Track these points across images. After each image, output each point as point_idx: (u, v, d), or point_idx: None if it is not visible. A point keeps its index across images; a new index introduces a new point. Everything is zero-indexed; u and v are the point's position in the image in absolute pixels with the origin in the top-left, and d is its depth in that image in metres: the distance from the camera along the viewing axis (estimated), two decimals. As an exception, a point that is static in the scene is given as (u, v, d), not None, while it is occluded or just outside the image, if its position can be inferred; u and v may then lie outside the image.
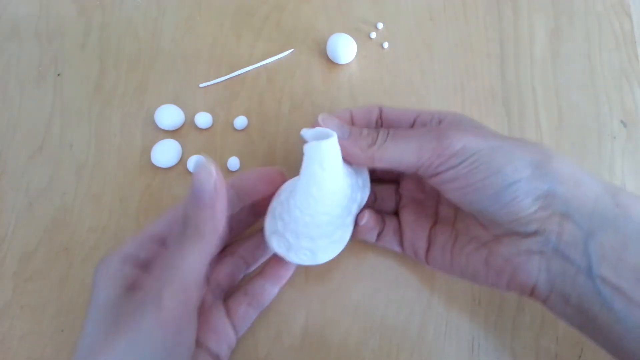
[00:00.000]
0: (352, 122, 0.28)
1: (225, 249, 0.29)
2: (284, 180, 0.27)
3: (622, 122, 0.35)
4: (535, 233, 0.23)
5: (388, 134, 0.24)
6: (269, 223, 0.26)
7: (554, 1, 0.39)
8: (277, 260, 0.28)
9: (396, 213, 0.30)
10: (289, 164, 0.34)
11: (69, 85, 0.36)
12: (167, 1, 0.39)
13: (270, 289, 0.28)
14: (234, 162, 0.33)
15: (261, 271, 0.29)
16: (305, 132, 0.26)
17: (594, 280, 0.22)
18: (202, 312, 0.27)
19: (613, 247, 0.21)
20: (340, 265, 0.31)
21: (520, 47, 0.37)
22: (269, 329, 0.29)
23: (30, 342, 0.29)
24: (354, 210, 0.26)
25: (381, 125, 0.28)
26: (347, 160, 0.25)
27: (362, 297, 0.30)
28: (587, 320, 0.23)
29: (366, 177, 0.28)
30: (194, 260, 0.22)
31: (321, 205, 0.24)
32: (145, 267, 0.23)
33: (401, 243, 0.29)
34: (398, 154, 0.24)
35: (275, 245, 0.26)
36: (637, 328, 0.21)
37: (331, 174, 0.24)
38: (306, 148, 0.24)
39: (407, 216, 0.29)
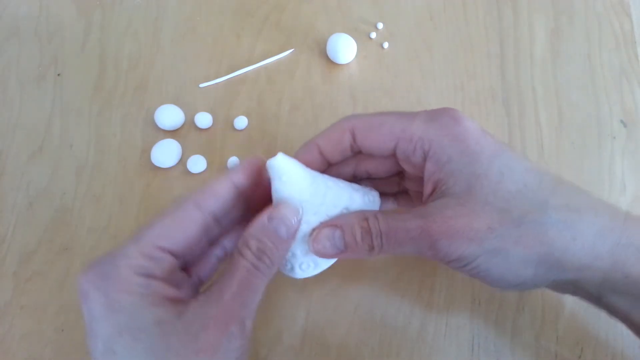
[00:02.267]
0: (322, 156, 0.25)
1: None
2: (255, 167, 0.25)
3: (622, 122, 0.35)
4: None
5: (381, 236, 0.23)
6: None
7: (554, 1, 0.39)
8: None
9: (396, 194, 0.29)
10: (289, 164, 0.34)
11: (68, 85, 0.36)
12: (167, 1, 0.39)
13: None
14: (234, 162, 0.33)
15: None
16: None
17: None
18: None
19: (623, 306, 0.22)
20: (340, 266, 0.30)
21: (520, 47, 0.37)
22: (269, 329, 0.29)
23: (30, 342, 0.29)
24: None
25: (359, 152, 0.25)
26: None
27: (362, 297, 0.30)
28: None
29: (373, 194, 0.27)
30: (262, 293, 0.23)
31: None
32: (165, 282, 0.22)
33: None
34: (400, 253, 0.23)
35: (281, 268, 0.25)
36: None
37: (293, 185, 0.23)
38: (268, 168, 0.23)
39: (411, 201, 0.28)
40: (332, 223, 0.24)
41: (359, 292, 0.30)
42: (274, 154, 0.23)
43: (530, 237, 0.21)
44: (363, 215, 0.24)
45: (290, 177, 0.23)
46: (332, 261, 0.26)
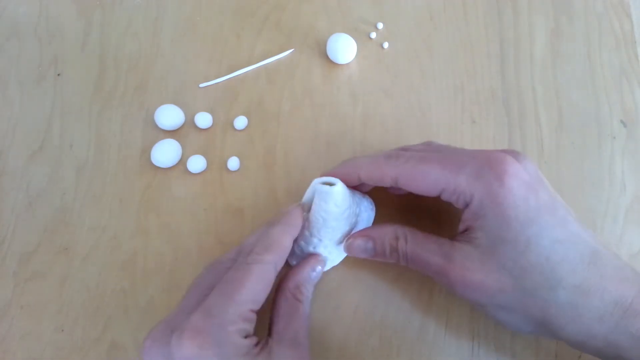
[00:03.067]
0: (360, 178, 0.28)
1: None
2: (302, 215, 0.28)
3: (622, 122, 0.35)
4: None
5: (406, 257, 0.27)
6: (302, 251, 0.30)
7: (554, 1, 0.39)
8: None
9: None
10: (289, 163, 0.34)
11: (68, 85, 0.36)
12: (167, 1, 0.39)
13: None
14: (234, 162, 0.33)
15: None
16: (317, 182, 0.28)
17: None
18: None
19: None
20: (340, 265, 0.30)
21: (520, 47, 0.37)
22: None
23: (30, 342, 0.29)
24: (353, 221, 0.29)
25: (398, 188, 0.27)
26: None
27: (362, 297, 0.30)
28: None
29: (369, 201, 0.31)
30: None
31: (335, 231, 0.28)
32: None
33: None
34: (422, 272, 0.27)
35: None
36: None
37: (340, 208, 0.27)
38: (319, 191, 0.27)
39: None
40: (365, 234, 0.28)
41: (358, 292, 0.30)
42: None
43: (534, 308, 0.23)
44: (394, 233, 0.27)
45: (342, 204, 0.27)
46: (342, 256, 0.30)
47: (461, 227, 0.25)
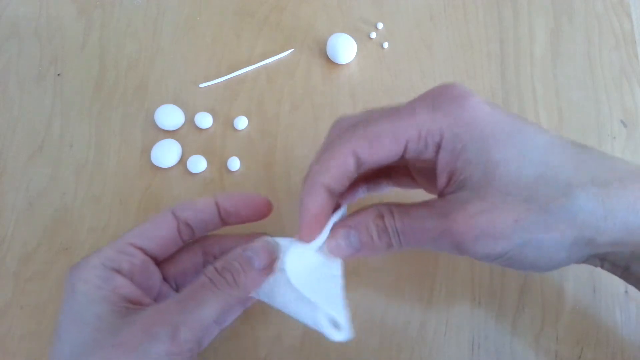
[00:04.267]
0: (330, 194, 0.23)
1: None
2: (269, 210, 0.26)
3: (622, 122, 0.35)
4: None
5: (398, 234, 0.22)
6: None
7: (554, 1, 0.39)
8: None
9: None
10: (289, 163, 0.34)
11: (68, 85, 0.36)
12: (167, 1, 0.39)
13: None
14: (234, 162, 0.33)
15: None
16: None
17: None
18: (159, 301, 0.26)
19: None
20: (341, 265, 0.30)
21: (520, 47, 0.37)
22: (268, 329, 0.29)
23: (30, 342, 0.29)
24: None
25: (364, 166, 0.23)
26: None
27: (362, 297, 0.30)
28: None
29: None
30: (215, 311, 0.22)
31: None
32: (133, 280, 0.24)
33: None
34: (421, 248, 0.22)
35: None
36: None
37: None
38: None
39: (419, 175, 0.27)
40: (345, 224, 0.23)
41: (358, 292, 0.30)
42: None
43: (560, 223, 0.20)
44: (377, 212, 0.22)
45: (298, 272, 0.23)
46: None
47: (441, 180, 0.22)
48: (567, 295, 0.30)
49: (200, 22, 0.38)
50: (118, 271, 0.23)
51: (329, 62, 0.36)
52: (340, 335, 0.22)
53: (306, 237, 0.23)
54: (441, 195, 0.22)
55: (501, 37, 0.37)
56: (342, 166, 0.22)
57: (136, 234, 0.25)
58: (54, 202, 0.33)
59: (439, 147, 0.21)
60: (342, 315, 0.23)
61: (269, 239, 0.24)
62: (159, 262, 0.26)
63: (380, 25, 0.38)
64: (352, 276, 0.30)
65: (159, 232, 0.25)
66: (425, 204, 0.22)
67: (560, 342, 0.29)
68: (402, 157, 0.22)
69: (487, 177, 0.20)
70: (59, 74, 0.37)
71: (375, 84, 0.36)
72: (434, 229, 0.21)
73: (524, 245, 0.20)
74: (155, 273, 0.25)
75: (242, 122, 0.34)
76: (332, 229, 0.23)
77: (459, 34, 0.37)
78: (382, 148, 0.22)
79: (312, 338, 0.29)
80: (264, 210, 0.27)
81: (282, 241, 0.24)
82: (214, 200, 0.26)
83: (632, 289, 0.29)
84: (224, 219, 0.26)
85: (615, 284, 0.29)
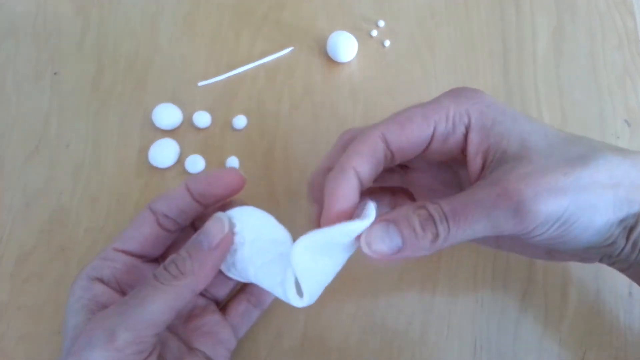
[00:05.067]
0: (360, 182, 0.22)
1: None
2: (242, 182, 0.26)
3: (625, 121, 0.34)
4: (602, 251, 0.22)
5: (446, 217, 0.20)
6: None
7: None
8: None
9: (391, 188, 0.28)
10: (289, 163, 0.33)
11: (66, 84, 0.36)
12: (166, -1, 0.38)
13: None
14: (233, 162, 0.33)
15: None
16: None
17: None
18: (195, 315, 0.26)
19: None
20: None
21: (523, 45, 0.37)
22: (268, 330, 0.29)
23: (27, 344, 0.29)
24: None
25: (392, 156, 0.22)
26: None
27: (363, 299, 0.30)
28: None
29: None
30: (160, 306, 0.21)
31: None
32: (119, 283, 0.24)
33: None
34: (470, 236, 0.20)
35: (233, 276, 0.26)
36: None
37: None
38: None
39: (423, 195, 0.26)
40: (383, 219, 0.21)
41: (359, 294, 0.30)
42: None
43: (600, 172, 0.20)
44: (418, 204, 0.21)
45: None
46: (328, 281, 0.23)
47: (476, 164, 0.21)
48: (570, 297, 0.29)
49: (199, 20, 0.38)
50: (100, 279, 0.24)
51: (329, 61, 0.36)
52: (301, 302, 0.22)
53: (329, 221, 0.21)
54: (479, 179, 0.22)
55: (503, 36, 0.37)
56: (371, 149, 0.22)
57: (119, 237, 0.25)
58: (51, 203, 0.32)
59: (467, 129, 0.21)
60: (306, 283, 0.22)
61: (219, 214, 0.23)
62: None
63: (381, 23, 0.37)
64: (353, 277, 0.30)
65: (140, 231, 0.25)
66: (469, 188, 0.21)
67: (563, 345, 0.28)
68: (429, 147, 0.22)
69: (524, 145, 0.20)
70: (56, 73, 0.36)
71: (376, 83, 0.36)
72: (487, 198, 0.20)
73: (579, 196, 0.19)
74: (145, 271, 0.25)
75: (241, 122, 0.34)
76: (368, 229, 0.21)
77: (461, 32, 0.37)
78: (412, 130, 0.21)
79: (312, 340, 0.29)
80: (235, 183, 0.25)
81: (237, 211, 0.24)
82: (184, 186, 0.25)
83: (636, 290, 0.29)
84: (199, 201, 0.25)
85: (619, 286, 0.29)
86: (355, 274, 0.30)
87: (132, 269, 0.25)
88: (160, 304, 0.21)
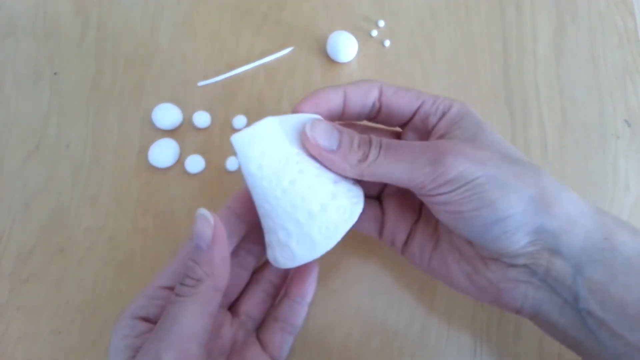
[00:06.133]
0: (345, 104, 0.25)
1: (252, 277, 0.28)
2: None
3: (626, 121, 0.34)
4: (523, 266, 0.23)
5: (380, 147, 0.23)
6: (265, 242, 0.25)
7: (557, -1, 0.38)
8: (298, 276, 0.27)
9: (379, 198, 0.29)
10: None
11: (65, 84, 0.36)
12: (165, -1, 0.38)
13: (299, 308, 0.27)
14: (233, 162, 0.33)
15: (285, 292, 0.28)
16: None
17: (580, 312, 0.22)
18: (236, 350, 0.26)
19: (600, 281, 0.21)
20: (341, 267, 0.30)
21: (523, 45, 0.37)
22: (268, 331, 0.29)
23: (26, 344, 0.29)
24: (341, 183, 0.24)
25: (379, 109, 0.26)
26: (333, 170, 0.24)
27: (363, 300, 0.30)
28: (573, 343, 0.23)
29: (356, 187, 0.25)
30: (192, 316, 0.21)
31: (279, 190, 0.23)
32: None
33: (380, 231, 0.28)
34: (389, 172, 0.22)
35: (272, 258, 0.25)
36: (622, 356, 0.22)
37: (265, 159, 0.23)
38: (235, 141, 0.23)
39: (391, 205, 0.27)
40: (334, 125, 0.24)
41: (359, 295, 0.30)
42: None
43: (526, 175, 0.22)
44: (366, 134, 0.24)
45: (265, 150, 0.23)
46: (327, 249, 0.24)
47: (432, 138, 0.25)
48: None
49: (199, 20, 0.38)
50: (146, 318, 0.23)
51: (329, 61, 0.36)
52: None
53: (303, 104, 0.25)
54: None
55: (504, 36, 0.37)
56: (367, 90, 0.25)
57: (163, 274, 0.24)
58: (51, 203, 0.32)
59: (443, 114, 0.25)
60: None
61: (199, 211, 0.23)
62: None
63: (381, 23, 0.37)
64: (354, 278, 0.30)
65: (183, 265, 0.24)
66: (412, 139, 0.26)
67: (563, 346, 0.28)
68: (411, 119, 0.26)
69: (474, 136, 0.24)
70: (55, 73, 0.36)
71: None
72: (418, 146, 0.23)
73: (491, 178, 0.21)
74: None
75: (241, 122, 0.34)
76: (317, 122, 0.23)
77: (461, 32, 0.37)
78: (404, 96, 0.25)
79: (312, 340, 0.29)
80: None
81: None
82: (226, 208, 0.25)
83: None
84: (242, 219, 0.25)
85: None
86: (355, 275, 0.30)
87: None
88: (192, 314, 0.21)
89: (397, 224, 0.27)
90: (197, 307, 0.22)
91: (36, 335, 0.29)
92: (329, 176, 0.24)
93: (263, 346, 0.27)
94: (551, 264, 0.22)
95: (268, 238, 0.24)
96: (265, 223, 0.24)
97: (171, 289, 0.24)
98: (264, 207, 0.24)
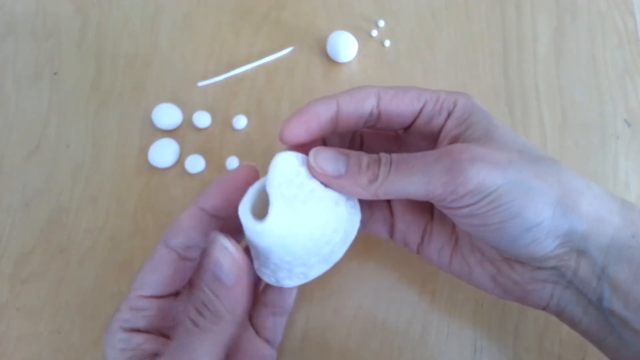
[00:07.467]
0: (338, 115, 0.23)
1: None
2: (257, 175, 0.24)
3: (626, 121, 0.34)
4: (551, 268, 0.22)
5: (391, 163, 0.21)
6: (261, 270, 0.24)
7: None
8: None
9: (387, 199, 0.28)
10: (289, 163, 0.33)
11: (65, 84, 0.36)
12: (165, -1, 0.38)
13: (286, 291, 0.27)
14: (232, 162, 0.33)
15: None
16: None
17: (603, 312, 0.22)
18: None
19: (625, 281, 0.21)
20: (342, 267, 0.30)
21: (523, 45, 0.37)
22: (268, 331, 0.29)
23: (26, 344, 0.29)
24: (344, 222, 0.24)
25: (378, 116, 0.24)
26: (344, 194, 0.23)
27: (363, 299, 0.30)
28: (596, 340, 0.23)
29: (353, 202, 0.24)
30: (209, 351, 0.20)
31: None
32: (158, 328, 0.23)
33: (391, 232, 0.27)
34: (403, 187, 0.21)
35: (267, 279, 0.24)
36: None
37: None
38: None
39: (399, 206, 0.27)
40: (339, 150, 0.22)
41: (360, 294, 0.30)
42: (272, 155, 0.22)
43: (548, 174, 0.21)
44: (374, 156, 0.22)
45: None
46: (321, 272, 0.24)
47: (444, 142, 0.23)
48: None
49: (199, 19, 0.38)
50: (136, 330, 0.22)
51: (329, 61, 0.36)
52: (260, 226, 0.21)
53: (288, 132, 0.22)
54: None
55: (504, 36, 0.37)
56: (362, 98, 0.23)
57: (141, 283, 0.23)
58: (51, 203, 0.32)
59: (450, 114, 0.23)
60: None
61: (221, 240, 0.20)
62: None
63: (381, 23, 0.37)
64: (354, 278, 0.30)
65: (163, 273, 0.23)
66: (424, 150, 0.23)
67: (564, 346, 0.28)
68: (414, 123, 0.24)
69: (488, 134, 0.22)
70: (55, 73, 0.36)
71: (376, 83, 0.34)
72: (432, 154, 0.21)
73: (514, 184, 0.20)
74: (179, 306, 0.24)
75: (241, 122, 0.34)
76: (320, 150, 0.22)
77: (462, 32, 0.37)
78: (404, 99, 0.23)
79: (312, 340, 0.29)
80: (251, 180, 0.24)
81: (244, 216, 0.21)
82: (197, 208, 0.23)
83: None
84: (217, 216, 0.24)
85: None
86: (356, 274, 0.30)
87: (166, 311, 0.23)
88: (209, 349, 0.20)
89: (407, 225, 0.26)
90: (215, 343, 0.20)
91: (36, 335, 0.29)
92: (331, 196, 0.23)
93: (257, 331, 0.26)
94: (578, 265, 0.22)
95: (272, 270, 0.23)
96: (272, 262, 0.23)
97: (154, 297, 0.23)
98: (278, 261, 0.22)
